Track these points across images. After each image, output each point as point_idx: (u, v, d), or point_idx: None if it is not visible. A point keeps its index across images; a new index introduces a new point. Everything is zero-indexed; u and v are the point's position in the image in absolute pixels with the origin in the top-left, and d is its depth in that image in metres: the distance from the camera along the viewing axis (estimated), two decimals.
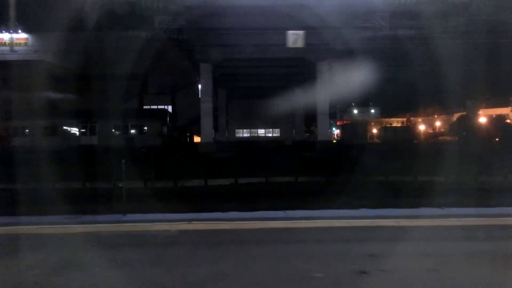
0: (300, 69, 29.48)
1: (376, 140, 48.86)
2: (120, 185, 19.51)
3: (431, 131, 66.76)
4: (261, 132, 47.48)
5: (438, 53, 18.03)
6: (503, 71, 27.85)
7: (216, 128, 38.53)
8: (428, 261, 4.27)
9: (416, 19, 17.26)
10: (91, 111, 37.79)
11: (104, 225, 6.40)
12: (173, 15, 17.48)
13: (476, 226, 6.04)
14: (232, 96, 43.40)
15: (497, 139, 31.53)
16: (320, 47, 22.37)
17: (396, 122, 74.87)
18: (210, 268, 4.10)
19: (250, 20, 20.41)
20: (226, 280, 3.79)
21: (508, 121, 46.76)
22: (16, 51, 30.80)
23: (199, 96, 38.68)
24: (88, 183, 18.49)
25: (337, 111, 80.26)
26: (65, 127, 37.98)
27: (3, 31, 30.11)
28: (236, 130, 47.01)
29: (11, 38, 29.13)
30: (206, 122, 24.29)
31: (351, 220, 6.46)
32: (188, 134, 48.07)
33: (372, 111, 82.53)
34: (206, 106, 24.02)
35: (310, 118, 44.70)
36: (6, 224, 6.29)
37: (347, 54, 22.91)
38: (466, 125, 41.78)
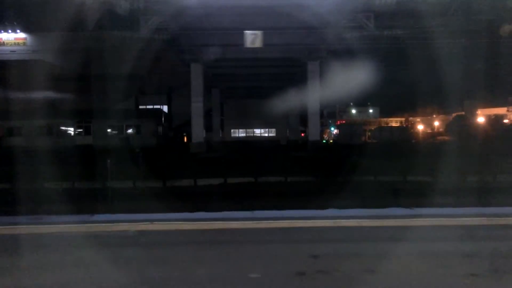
0: (293, 69, 29.50)
1: (372, 140, 48.82)
2: (108, 185, 19.53)
3: (430, 131, 66.79)
4: (257, 132, 47.49)
5: (426, 53, 18.03)
6: (496, 70, 27.83)
7: (210, 128, 38.55)
8: (369, 262, 4.25)
9: (400, 19, 17.24)
10: (86, 111, 37.86)
11: (66, 226, 6.39)
12: (158, 15, 17.49)
13: (436, 226, 6.02)
14: (228, 96, 43.42)
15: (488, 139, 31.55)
16: (310, 47, 22.37)
17: (395, 122, 74.84)
18: (147, 271, 4.10)
19: (239, 20, 20.39)
20: (153, 283, 3.79)
21: (506, 121, 46.77)
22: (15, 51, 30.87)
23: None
24: (77, 183, 18.50)
25: (337, 111, 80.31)
26: (60, 127, 38.06)
27: (2, 31, 30.17)
28: (232, 130, 47.01)
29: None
30: (197, 122, 24.31)
31: (315, 221, 6.45)
32: (184, 134, 48.15)
33: (371, 111, 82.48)
34: (197, 106, 24.03)
35: (305, 118, 44.72)
36: None
37: (339, 54, 22.90)
38: (461, 125, 41.78)
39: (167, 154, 24.29)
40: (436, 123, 70.41)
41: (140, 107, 45.19)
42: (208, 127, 39.91)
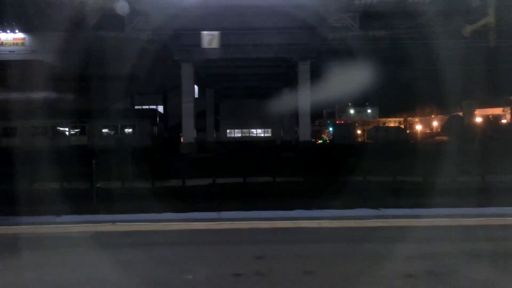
0: (285, 70, 29.51)
1: (369, 140, 48.79)
2: (99, 185, 19.57)
3: (429, 131, 66.81)
4: (253, 132, 47.47)
5: (415, 54, 18.02)
6: (489, 71, 27.77)
7: (204, 128, 38.56)
8: (313, 263, 4.22)
9: (384, 20, 17.22)
10: (81, 111, 37.90)
11: (26, 227, 6.38)
12: (143, 15, 17.53)
13: (396, 227, 5.99)
14: (224, 96, 43.44)
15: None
16: (300, 47, 22.38)
17: (394, 122, 74.84)
18: (80, 272, 4.08)
19: (227, 20, 20.41)
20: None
21: (504, 121, 46.67)
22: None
23: (195, 96, 38.77)
24: (66, 184, 18.49)
25: (336, 111, 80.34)
26: (55, 127, 38.09)
27: (0, 31, 30.22)
28: (228, 130, 47.00)
29: None
30: (187, 122, 24.32)
31: (275, 222, 6.43)
32: (180, 134, 48.17)
33: (369, 111, 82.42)
34: (187, 107, 24.04)
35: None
36: None
37: (330, 54, 22.89)
38: (456, 125, 41.75)
39: (157, 154, 24.30)
40: (435, 123, 70.44)
41: (136, 107, 45.23)
42: (202, 128, 39.92)
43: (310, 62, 24.10)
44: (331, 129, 66.56)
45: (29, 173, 17.95)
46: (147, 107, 44.44)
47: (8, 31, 29.98)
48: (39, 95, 35.84)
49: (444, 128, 46.98)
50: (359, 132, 65.91)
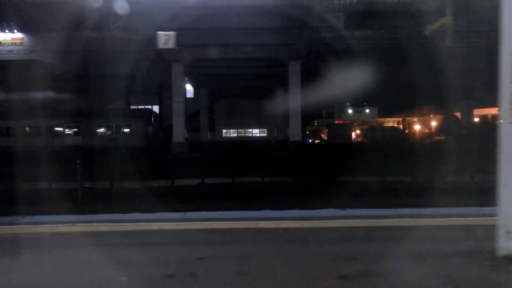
0: (278, 69, 29.51)
1: (364, 140, 48.74)
2: (87, 185, 19.58)
3: (427, 131, 66.75)
4: (249, 132, 47.48)
5: (401, 54, 18.01)
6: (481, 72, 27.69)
7: (198, 128, 38.60)
8: (250, 264, 4.22)
9: (366, 20, 17.23)
10: (76, 111, 37.93)
11: None
12: (128, 15, 17.55)
13: (355, 227, 5.97)
14: (219, 96, 43.44)
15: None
16: (289, 47, 22.39)
17: (393, 122, 74.80)
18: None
19: (216, 20, 20.43)
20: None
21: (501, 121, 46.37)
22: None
23: (186, 96, 38.75)
24: (54, 184, 18.50)
25: (335, 111, 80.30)
26: (50, 127, 38.17)
27: None
28: (224, 130, 47.02)
29: None
30: (178, 122, 24.34)
31: (234, 222, 6.43)
32: None
33: (367, 111, 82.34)
34: (178, 107, 24.07)
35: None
36: None
37: (319, 54, 22.90)
38: (453, 124, 41.67)
39: (148, 154, 24.31)
40: (434, 123, 70.37)
41: (132, 107, 45.28)
42: (197, 127, 39.96)
43: (301, 62, 24.09)
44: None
45: (18, 173, 17.96)
46: (142, 107, 44.48)
47: (7, 31, 30.07)
48: (34, 95, 35.88)
49: (440, 128, 46.90)
50: (358, 132, 65.97)
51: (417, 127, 73.66)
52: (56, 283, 3.84)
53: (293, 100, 24.76)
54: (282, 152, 24.91)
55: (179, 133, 24.49)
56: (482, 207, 6.70)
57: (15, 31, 29.96)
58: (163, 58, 24.52)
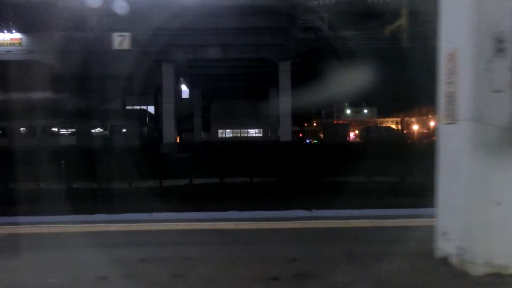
0: (270, 70, 29.49)
1: (360, 140, 48.70)
2: (75, 185, 19.54)
3: (426, 131, 66.70)
4: (244, 132, 47.48)
5: (385, 54, 17.99)
6: None
7: (189, 129, 38.64)
8: (188, 266, 4.21)
9: (350, 21, 17.22)
10: (71, 111, 37.97)
11: None
12: (111, 15, 17.55)
13: (307, 228, 5.95)
14: (214, 97, 43.46)
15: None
16: (278, 47, 22.37)
17: (391, 122, 74.71)
18: None
19: (206, 20, 20.43)
20: None
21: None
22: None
23: (181, 96, 38.74)
24: (42, 184, 18.54)
25: (334, 111, 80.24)
26: (44, 127, 38.23)
27: None
28: (220, 131, 47.04)
29: None
30: (168, 122, 24.35)
31: (192, 223, 6.42)
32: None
33: (365, 111, 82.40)
34: (168, 107, 24.07)
35: (295, 118, 44.49)
36: None
37: (309, 54, 22.90)
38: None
39: (138, 154, 24.31)
40: (432, 123, 70.30)
41: (128, 107, 45.35)
42: (192, 128, 40.00)
43: (291, 62, 24.07)
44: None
45: (8, 173, 17.99)
46: (138, 107, 44.55)
47: (5, 31, 30.08)
48: (29, 95, 35.89)
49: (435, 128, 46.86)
50: (356, 132, 65.84)
51: (415, 127, 73.53)
52: None
53: (283, 101, 24.75)
54: (273, 152, 24.92)
55: (169, 134, 24.50)
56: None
57: (14, 31, 29.95)
58: (154, 59, 24.53)
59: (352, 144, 41.55)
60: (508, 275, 3.54)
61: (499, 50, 3.57)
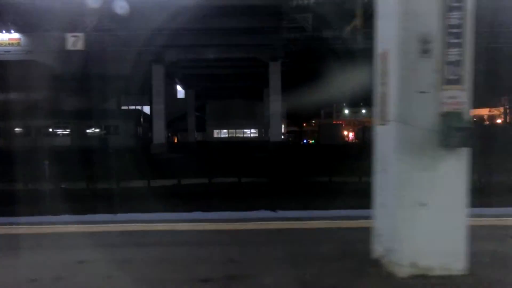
0: (261, 70, 29.50)
1: (356, 140, 48.64)
2: (63, 185, 19.53)
3: None
4: (240, 132, 47.46)
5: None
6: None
7: (185, 129, 38.63)
8: (124, 268, 4.19)
9: (328, 22, 17.23)
10: (65, 112, 37.96)
11: None
12: (96, 16, 17.56)
13: (262, 230, 5.91)
14: (208, 97, 43.47)
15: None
16: (268, 47, 22.36)
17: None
18: None
19: (194, 20, 20.42)
20: None
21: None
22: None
23: (177, 96, 38.75)
24: (31, 184, 18.51)
25: (333, 111, 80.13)
26: (38, 127, 38.26)
27: None
28: (215, 131, 47.01)
29: None
30: (158, 123, 24.36)
31: (150, 224, 6.40)
32: (169, 134, 48.17)
33: (364, 111, 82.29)
34: (158, 108, 24.08)
35: (293, 118, 44.52)
36: None
37: (298, 55, 22.87)
38: None
39: (129, 154, 24.31)
40: None
41: (123, 107, 45.36)
42: (186, 128, 39.99)
43: (281, 62, 24.06)
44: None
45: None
46: (133, 107, 44.54)
47: (4, 31, 30.12)
48: (25, 95, 35.91)
49: None
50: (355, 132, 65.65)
51: None
52: None
53: (274, 101, 24.74)
54: (262, 153, 24.91)
55: (160, 134, 24.51)
56: None
57: (12, 31, 29.96)
58: (145, 60, 24.55)
59: (348, 144, 41.49)
60: (433, 276, 3.53)
61: (424, 51, 3.56)
